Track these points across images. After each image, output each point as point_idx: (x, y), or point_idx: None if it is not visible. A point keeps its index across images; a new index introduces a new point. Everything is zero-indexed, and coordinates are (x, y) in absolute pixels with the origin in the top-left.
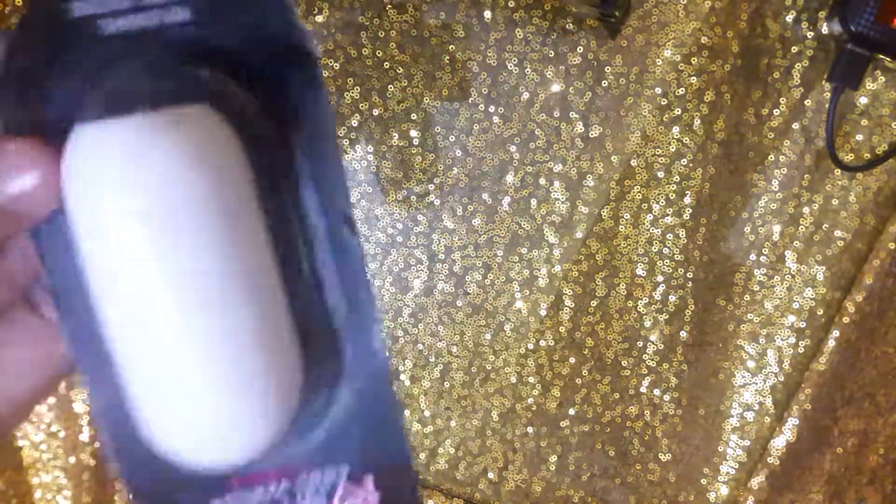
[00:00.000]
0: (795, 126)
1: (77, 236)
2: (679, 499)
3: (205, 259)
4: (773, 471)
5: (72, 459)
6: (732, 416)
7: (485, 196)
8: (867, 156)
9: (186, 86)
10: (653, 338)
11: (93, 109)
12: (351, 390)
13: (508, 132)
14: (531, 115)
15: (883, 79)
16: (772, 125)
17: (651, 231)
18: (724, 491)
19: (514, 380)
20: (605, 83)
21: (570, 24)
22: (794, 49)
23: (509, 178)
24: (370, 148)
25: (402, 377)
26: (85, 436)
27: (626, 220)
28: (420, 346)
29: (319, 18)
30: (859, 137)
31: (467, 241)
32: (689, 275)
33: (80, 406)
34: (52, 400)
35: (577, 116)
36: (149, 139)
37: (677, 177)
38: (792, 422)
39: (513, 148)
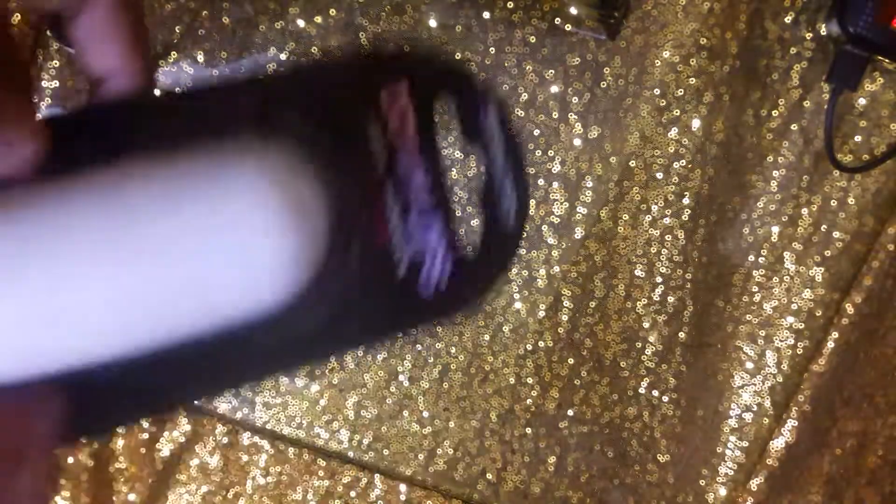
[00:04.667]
0: (794, 127)
1: None
2: (678, 500)
3: None
4: (771, 472)
5: (70, 460)
6: (731, 418)
7: None
8: (866, 157)
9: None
10: (651, 339)
11: None
12: None
13: None
14: (530, 116)
15: (882, 80)
16: (770, 126)
17: (650, 232)
18: (722, 492)
19: (512, 381)
20: (603, 84)
21: (569, 25)
22: (793, 50)
23: None
24: None
25: (401, 378)
26: None
27: (625, 221)
28: (419, 347)
29: (318, 19)
30: (858, 139)
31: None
32: (688, 276)
33: None
34: None
35: (576, 117)
36: None
37: (676, 178)
38: (791, 423)
39: None
